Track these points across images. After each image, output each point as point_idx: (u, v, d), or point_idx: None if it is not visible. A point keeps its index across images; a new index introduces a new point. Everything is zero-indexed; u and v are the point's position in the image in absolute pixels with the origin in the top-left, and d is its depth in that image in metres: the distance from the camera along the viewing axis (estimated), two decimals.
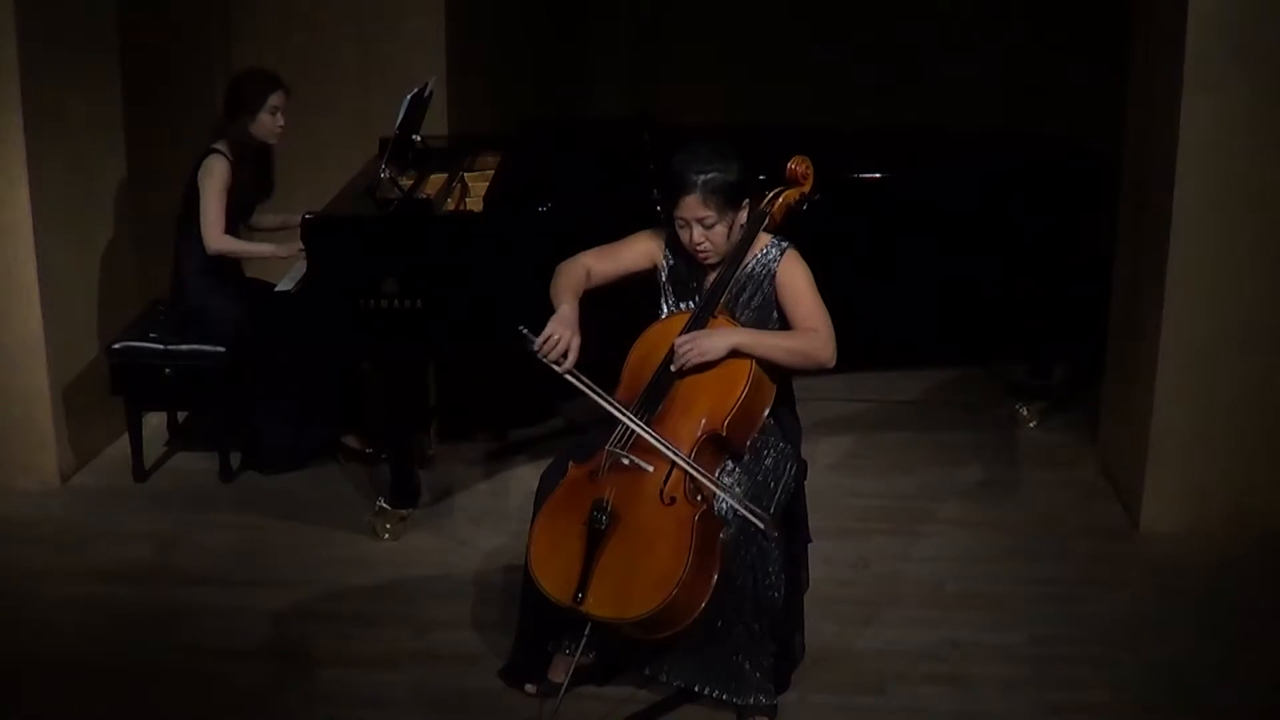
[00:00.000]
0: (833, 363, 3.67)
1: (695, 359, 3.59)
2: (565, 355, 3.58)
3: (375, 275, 4.50)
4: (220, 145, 5.01)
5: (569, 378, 3.59)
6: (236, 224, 5.11)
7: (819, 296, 3.71)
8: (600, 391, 3.59)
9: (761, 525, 3.50)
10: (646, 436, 3.54)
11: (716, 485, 3.55)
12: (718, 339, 3.62)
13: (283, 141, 5.18)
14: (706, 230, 3.66)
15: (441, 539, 4.71)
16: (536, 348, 3.58)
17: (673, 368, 3.62)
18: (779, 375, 3.73)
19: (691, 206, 3.64)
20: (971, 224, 5.34)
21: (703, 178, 3.62)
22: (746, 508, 3.51)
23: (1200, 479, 4.69)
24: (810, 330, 3.68)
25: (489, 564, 4.52)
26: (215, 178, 4.97)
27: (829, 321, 3.69)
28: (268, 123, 5.04)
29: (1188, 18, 4.33)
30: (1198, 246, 4.50)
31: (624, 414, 3.58)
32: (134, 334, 5.10)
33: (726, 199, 3.65)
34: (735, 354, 3.62)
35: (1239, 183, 4.46)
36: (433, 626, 4.16)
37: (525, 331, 3.60)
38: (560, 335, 3.59)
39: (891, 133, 6.12)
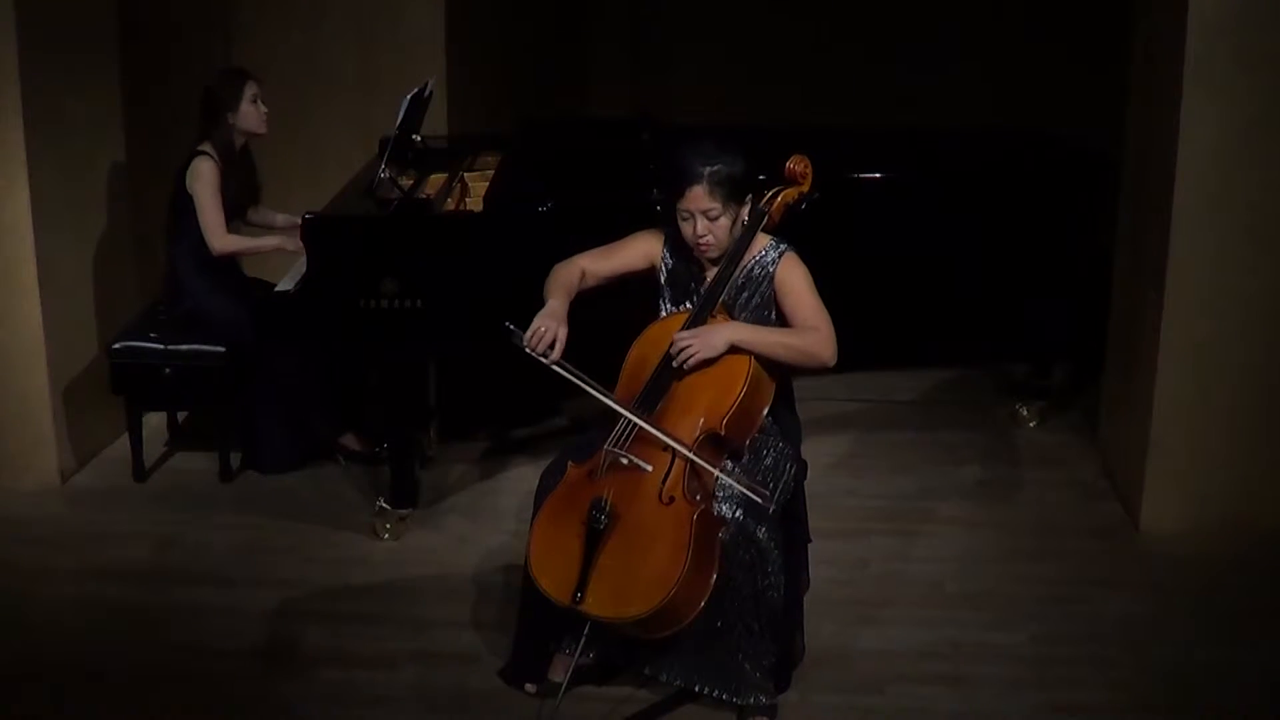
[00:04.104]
0: (833, 361, 3.68)
1: (695, 354, 3.59)
2: (552, 347, 3.61)
3: (375, 275, 4.50)
4: (205, 147, 4.99)
5: (557, 369, 3.61)
6: (230, 225, 5.10)
7: (818, 297, 3.72)
8: (592, 383, 3.60)
9: (760, 500, 3.53)
10: (646, 428, 3.54)
11: (718, 469, 3.55)
12: (717, 334, 3.62)
13: (283, 141, 5.18)
14: (710, 223, 3.66)
15: (441, 539, 4.71)
16: (524, 342, 3.61)
17: (673, 364, 3.63)
18: (778, 374, 3.73)
19: (697, 197, 3.64)
20: (971, 223, 5.33)
21: (709, 169, 3.63)
22: (745, 484, 3.53)
23: (1200, 479, 4.68)
24: (811, 329, 3.68)
25: (489, 564, 4.52)
26: (206, 180, 4.95)
27: (829, 321, 3.69)
28: (252, 113, 5.03)
29: (1188, 19, 4.33)
30: (1198, 246, 4.50)
31: (617, 405, 3.60)
32: (134, 334, 5.10)
33: (732, 191, 3.65)
34: (735, 350, 3.62)
35: (1239, 183, 4.46)
36: (433, 626, 4.16)
37: (511, 327, 3.63)
38: (547, 327, 3.61)
39: (891, 132, 6.12)
